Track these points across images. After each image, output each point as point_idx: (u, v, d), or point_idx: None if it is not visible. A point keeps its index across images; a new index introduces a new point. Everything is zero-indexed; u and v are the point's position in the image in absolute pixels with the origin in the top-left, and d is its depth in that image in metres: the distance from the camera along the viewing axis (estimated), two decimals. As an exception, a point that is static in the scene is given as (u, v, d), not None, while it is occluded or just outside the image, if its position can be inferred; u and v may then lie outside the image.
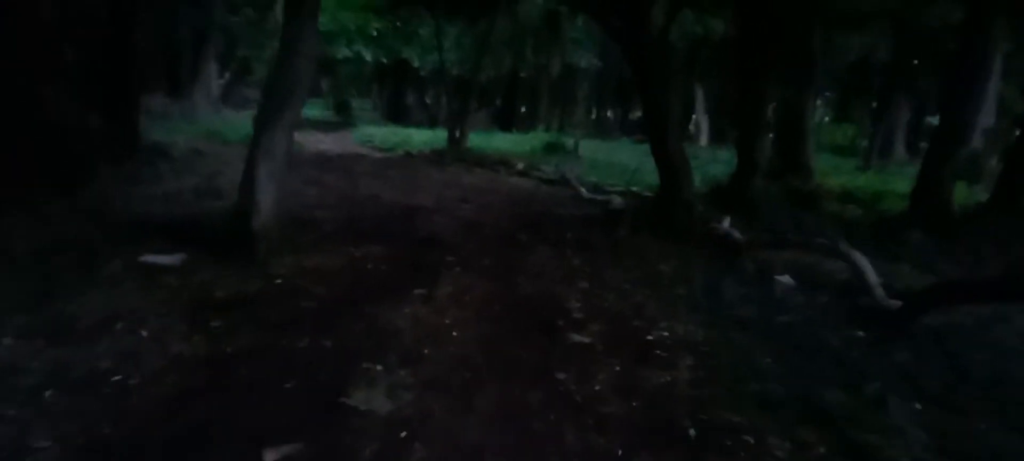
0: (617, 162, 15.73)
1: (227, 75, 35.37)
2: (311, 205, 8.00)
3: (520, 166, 13.29)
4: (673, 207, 7.45)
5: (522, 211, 8.50)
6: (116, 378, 3.21)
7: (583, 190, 10.11)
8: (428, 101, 34.96)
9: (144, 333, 3.76)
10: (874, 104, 26.51)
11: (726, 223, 6.93)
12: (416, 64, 18.56)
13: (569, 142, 18.17)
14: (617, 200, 8.82)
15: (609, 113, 41.26)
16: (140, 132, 10.20)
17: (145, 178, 8.38)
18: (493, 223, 7.48)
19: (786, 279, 5.29)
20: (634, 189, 10.29)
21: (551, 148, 17.36)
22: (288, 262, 5.23)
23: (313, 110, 44.99)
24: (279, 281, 4.79)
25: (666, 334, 4.15)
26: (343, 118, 35.35)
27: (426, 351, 3.71)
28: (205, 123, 19.91)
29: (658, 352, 3.86)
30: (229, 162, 11.93)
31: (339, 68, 34.63)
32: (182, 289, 4.49)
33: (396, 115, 32.90)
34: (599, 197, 9.46)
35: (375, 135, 22.14)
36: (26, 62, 6.74)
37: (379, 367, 3.45)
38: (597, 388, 3.38)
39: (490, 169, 13.58)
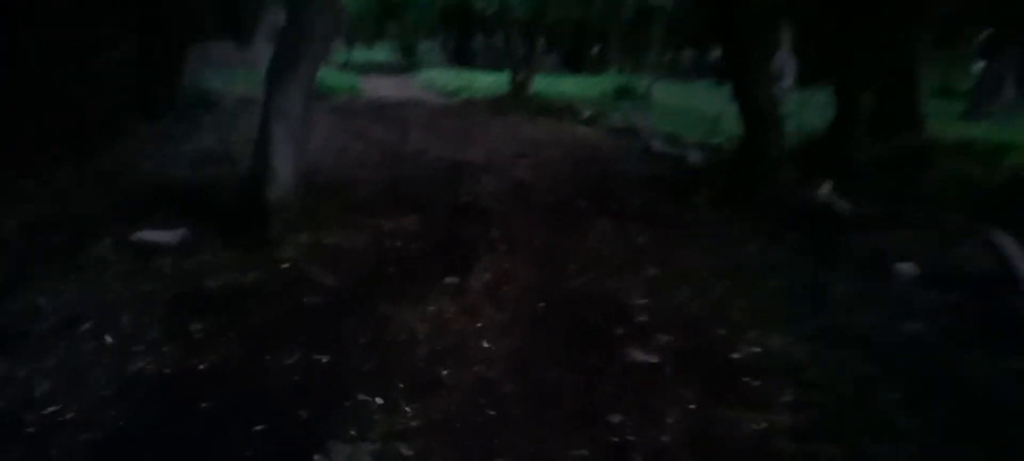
0: (694, 108, 14.41)
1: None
2: (351, 164, 7.29)
3: (586, 114, 12.24)
4: (759, 168, 6.35)
5: (583, 170, 7.55)
6: (50, 409, 2.55)
7: (655, 142, 9.03)
8: (496, 44, 33.85)
9: (109, 339, 3.10)
10: (979, 36, 23.95)
11: (826, 190, 5.79)
12: (479, 4, 17.41)
13: (641, 86, 16.89)
14: (694, 156, 7.74)
15: (685, 54, 39.14)
16: (180, 83, 9.67)
17: (178, 135, 7.81)
18: (548, 187, 6.57)
19: (908, 268, 4.21)
20: (715, 142, 9.13)
21: (621, 93, 16.14)
22: (304, 240, 4.51)
23: (379, 54, 44.64)
24: (285, 265, 4.07)
25: (757, 350, 3.21)
26: (409, 62, 34.72)
27: (444, 373, 2.91)
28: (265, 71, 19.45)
29: (747, 380, 2.94)
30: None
31: (403, 11, 33.86)
32: (172, 277, 3.82)
33: (463, 59, 32.00)
34: (673, 151, 8.38)
35: (437, 79, 21.39)
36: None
37: (378, 400, 2.68)
38: (664, 438, 2.51)
39: (553, 117, 12.59)
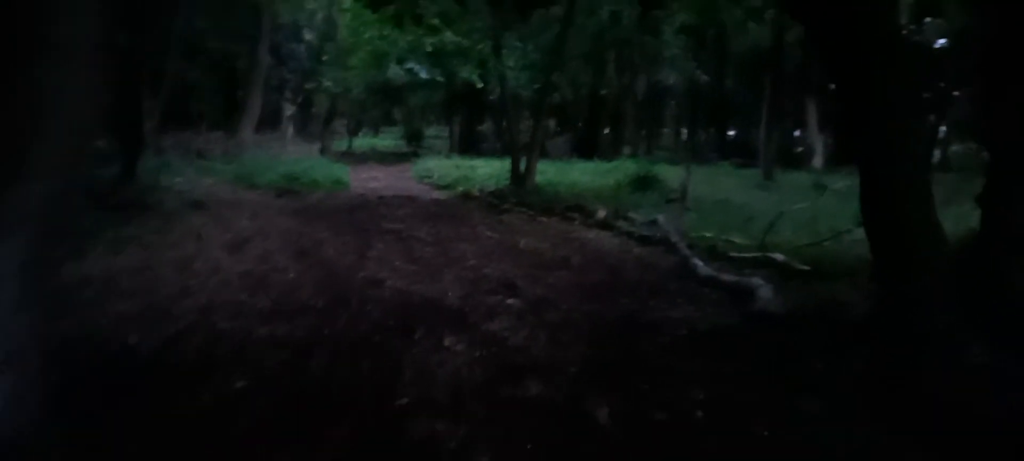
0: (730, 202, 12.10)
1: (293, 110, 33.83)
2: (260, 312, 4.93)
3: (601, 213, 9.90)
4: (918, 324, 3.93)
5: (600, 317, 5.11)
6: None
7: (697, 261, 6.60)
8: (503, 127, 32.06)
9: None
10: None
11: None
12: (478, 84, 15.47)
13: (665, 173, 14.58)
14: (763, 291, 5.30)
15: (701, 133, 37.18)
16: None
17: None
18: (545, 359, 4.11)
19: None
20: (778, 258, 6.72)
21: (641, 184, 13.86)
22: None
23: (385, 140, 43.22)
24: None
25: None
26: (414, 148, 33.05)
27: None
28: (245, 163, 17.53)
29: None
30: (225, 220, 9.20)
31: (407, 95, 32.33)
32: None
33: (468, 144, 30.15)
34: (728, 279, 5.95)
35: (435, 169, 19.34)
36: None
37: None
38: None
39: (561, 217, 10.28)
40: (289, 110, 33.16)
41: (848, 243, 7.42)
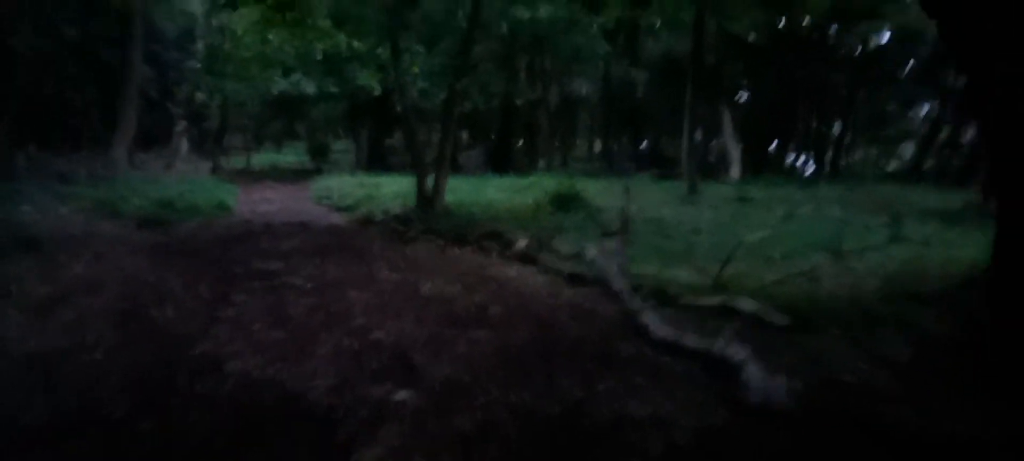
0: (666, 222, 10.91)
1: (184, 124, 30.99)
2: (29, 425, 3.21)
3: (522, 243, 8.45)
4: None
5: (535, 415, 3.61)
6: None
7: (650, 317, 5.17)
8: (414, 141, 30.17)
9: None
10: None
11: None
12: (376, 92, 13.78)
13: (587, 188, 13.25)
14: (750, 370, 3.93)
15: (615, 143, 36.48)
16: None
17: None
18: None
19: None
20: (743, 306, 5.42)
21: (562, 202, 12.52)
22: None
23: (289, 155, 40.41)
24: None
25: None
26: (318, 164, 30.82)
27: None
28: (115, 186, 15.15)
29: None
30: (55, 265, 7.20)
31: (308, 108, 30.08)
32: None
33: (375, 159, 28.20)
34: (691, 342, 4.57)
35: (335, 189, 17.47)
36: None
37: None
38: None
39: (476, 247, 8.78)
40: (180, 125, 30.32)
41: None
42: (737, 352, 4.10)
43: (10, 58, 15.27)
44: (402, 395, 3.80)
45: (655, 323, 4.90)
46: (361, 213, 13.06)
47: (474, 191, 15.63)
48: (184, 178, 19.26)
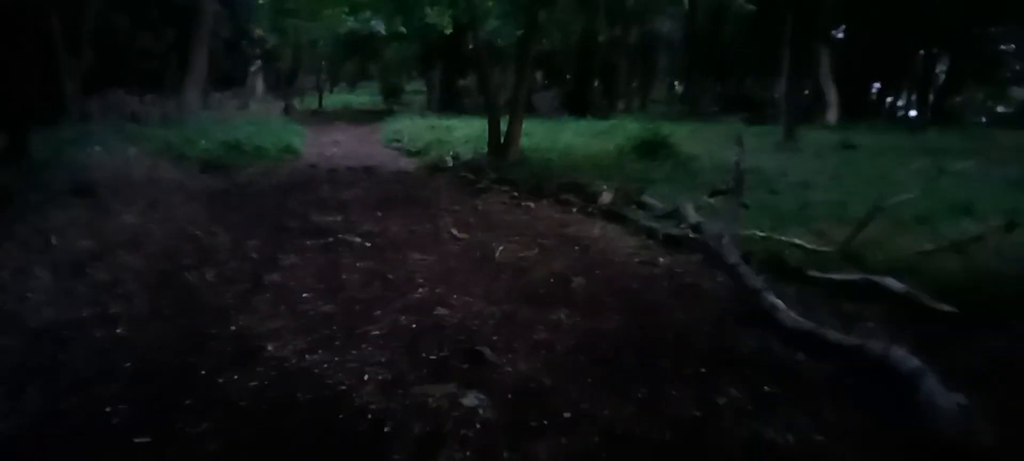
0: (765, 172, 9.66)
1: (259, 65, 30.98)
2: (7, 433, 2.55)
3: (607, 197, 7.50)
4: None
5: (641, 441, 2.76)
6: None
7: (774, 300, 4.11)
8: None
9: None
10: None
11: None
12: (446, 31, 12.84)
13: (674, 133, 11.96)
14: (928, 382, 2.92)
15: (698, 85, 34.29)
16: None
17: None
18: None
19: None
20: (890, 284, 4.35)
21: (648, 149, 11.39)
22: None
23: (361, 97, 40.14)
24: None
25: None
26: (391, 105, 30.34)
27: None
28: (185, 128, 14.88)
29: None
30: (106, 214, 6.75)
31: (381, 48, 29.41)
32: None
33: (448, 101, 27.37)
34: (835, 337, 3.58)
35: (406, 132, 16.82)
36: None
37: None
38: None
39: (554, 201, 7.88)
40: (255, 65, 30.21)
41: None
42: (906, 357, 3.09)
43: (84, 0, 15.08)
44: (469, 400, 2.99)
45: (782, 310, 3.90)
46: (431, 157, 12.33)
47: (550, 135, 14.63)
48: (256, 119, 18.97)
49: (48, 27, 12.88)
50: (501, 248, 5.62)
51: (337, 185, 9.28)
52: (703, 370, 3.38)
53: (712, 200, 6.53)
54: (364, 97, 40.08)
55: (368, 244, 5.79)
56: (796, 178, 9.38)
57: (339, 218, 6.87)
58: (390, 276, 4.87)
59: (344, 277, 4.85)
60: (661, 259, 5.49)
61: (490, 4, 11.36)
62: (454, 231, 6.33)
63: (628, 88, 30.45)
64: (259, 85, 30.96)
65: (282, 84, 31.27)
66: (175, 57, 21.70)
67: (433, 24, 12.24)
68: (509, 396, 3.06)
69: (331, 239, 5.90)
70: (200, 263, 5.14)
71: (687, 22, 29.94)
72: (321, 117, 26.01)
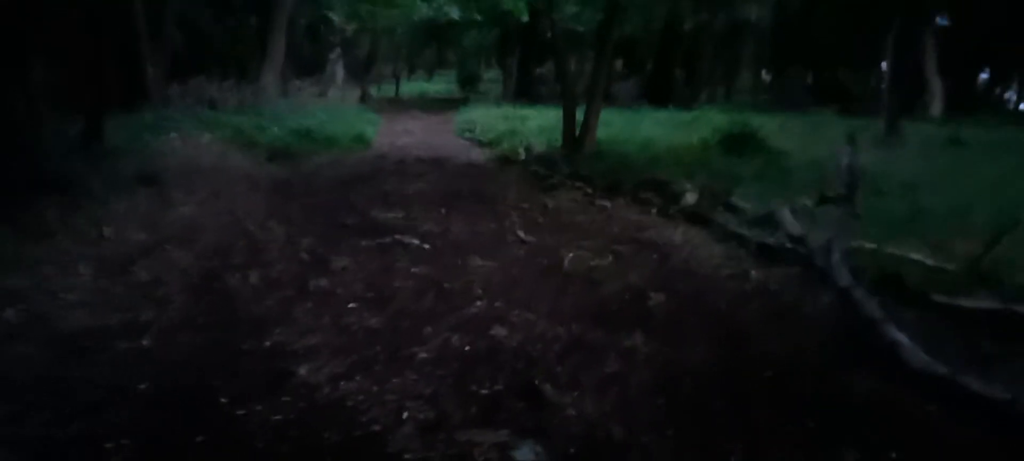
0: (870, 171, 8.69)
1: (338, 52, 31.24)
2: None
3: (691, 197, 6.83)
4: None
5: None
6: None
7: (899, 337, 3.43)
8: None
9: None
10: None
11: None
12: (522, 18, 12.32)
13: (763, 126, 11.01)
14: None
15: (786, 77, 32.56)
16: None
17: None
18: None
19: None
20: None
21: (736, 143, 10.54)
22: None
23: (438, 85, 40.09)
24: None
25: None
26: (467, 93, 30.11)
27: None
28: (261, 114, 14.94)
29: None
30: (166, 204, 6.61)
31: (458, 35, 29.18)
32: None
33: (524, 90, 26.83)
34: (979, 388, 2.88)
35: (479, 122, 16.39)
36: None
37: None
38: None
39: (631, 200, 7.26)
40: (334, 52, 30.50)
41: None
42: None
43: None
44: (523, 456, 2.48)
45: (909, 345, 3.21)
46: (503, 149, 11.86)
47: (628, 126, 13.90)
48: (331, 107, 19.00)
49: (131, 14, 13.04)
50: (570, 255, 5.08)
51: (403, 177, 8.93)
52: (810, 424, 2.76)
53: (818, 206, 5.76)
54: (441, 85, 40.00)
55: (427, 246, 5.35)
56: (901, 178, 8.41)
57: (400, 215, 6.48)
58: (446, 285, 4.40)
59: (396, 285, 4.42)
60: (753, 273, 4.81)
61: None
62: (520, 233, 5.82)
63: (712, 77, 29.14)
64: (339, 72, 31.20)
65: (360, 72, 31.48)
66: (257, 44, 22.00)
67: (507, 10, 11.72)
68: (571, 451, 2.53)
69: (388, 239, 5.49)
70: (248, 263, 4.83)
71: (777, 8, 28.37)
72: (396, 105, 25.95)
